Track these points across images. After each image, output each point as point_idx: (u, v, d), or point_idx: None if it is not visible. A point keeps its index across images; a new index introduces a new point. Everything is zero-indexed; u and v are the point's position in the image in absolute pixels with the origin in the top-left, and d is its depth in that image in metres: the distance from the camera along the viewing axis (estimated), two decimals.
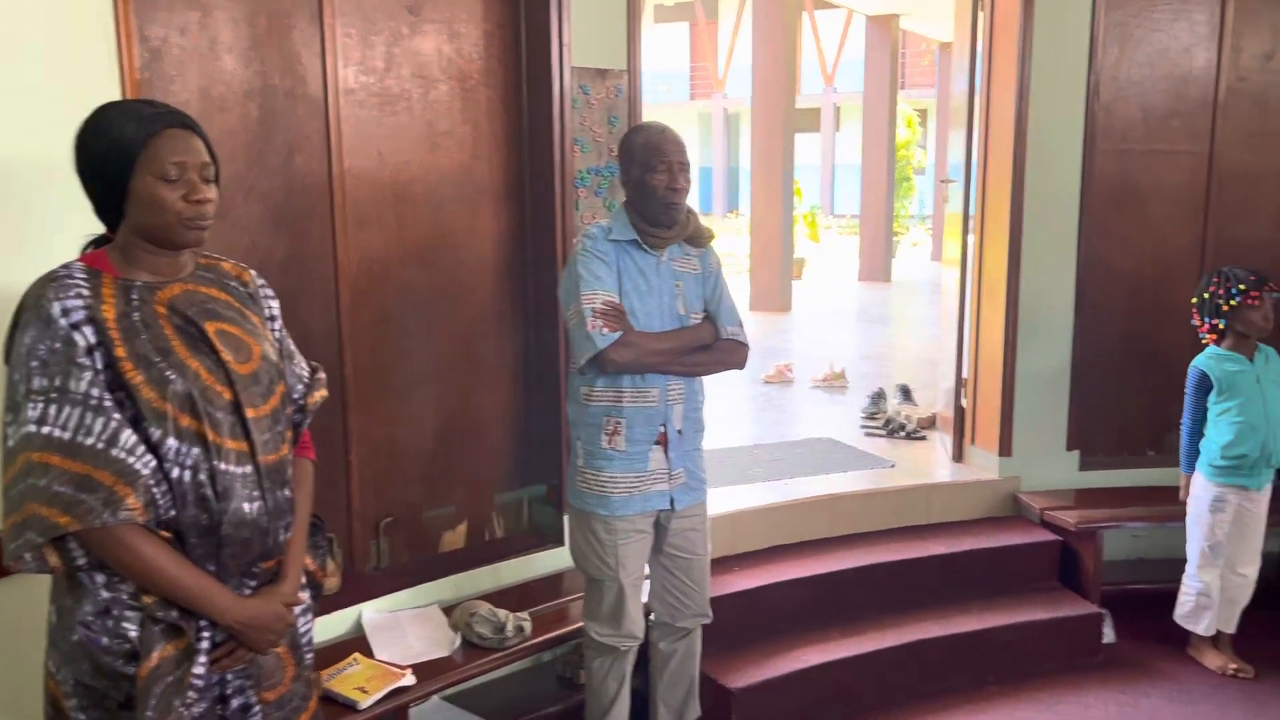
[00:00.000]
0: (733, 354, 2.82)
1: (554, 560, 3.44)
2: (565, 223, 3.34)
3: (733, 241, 16.61)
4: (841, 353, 7.43)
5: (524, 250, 3.44)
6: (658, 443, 2.72)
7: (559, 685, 3.27)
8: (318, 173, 2.97)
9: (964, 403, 4.47)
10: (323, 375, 1.94)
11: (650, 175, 2.66)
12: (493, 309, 3.41)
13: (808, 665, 3.35)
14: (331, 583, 2.97)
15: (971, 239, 4.38)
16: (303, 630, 1.87)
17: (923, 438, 4.94)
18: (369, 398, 3.15)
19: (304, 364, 1.92)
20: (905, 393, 5.60)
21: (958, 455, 4.51)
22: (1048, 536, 4.01)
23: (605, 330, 2.58)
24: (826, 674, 3.36)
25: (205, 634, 1.67)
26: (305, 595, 1.87)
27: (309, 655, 1.89)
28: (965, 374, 4.47)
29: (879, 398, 5.48)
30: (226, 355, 1.68)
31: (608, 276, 2.65)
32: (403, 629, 2.96)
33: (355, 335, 3.09)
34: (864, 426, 5.19)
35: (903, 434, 4.96)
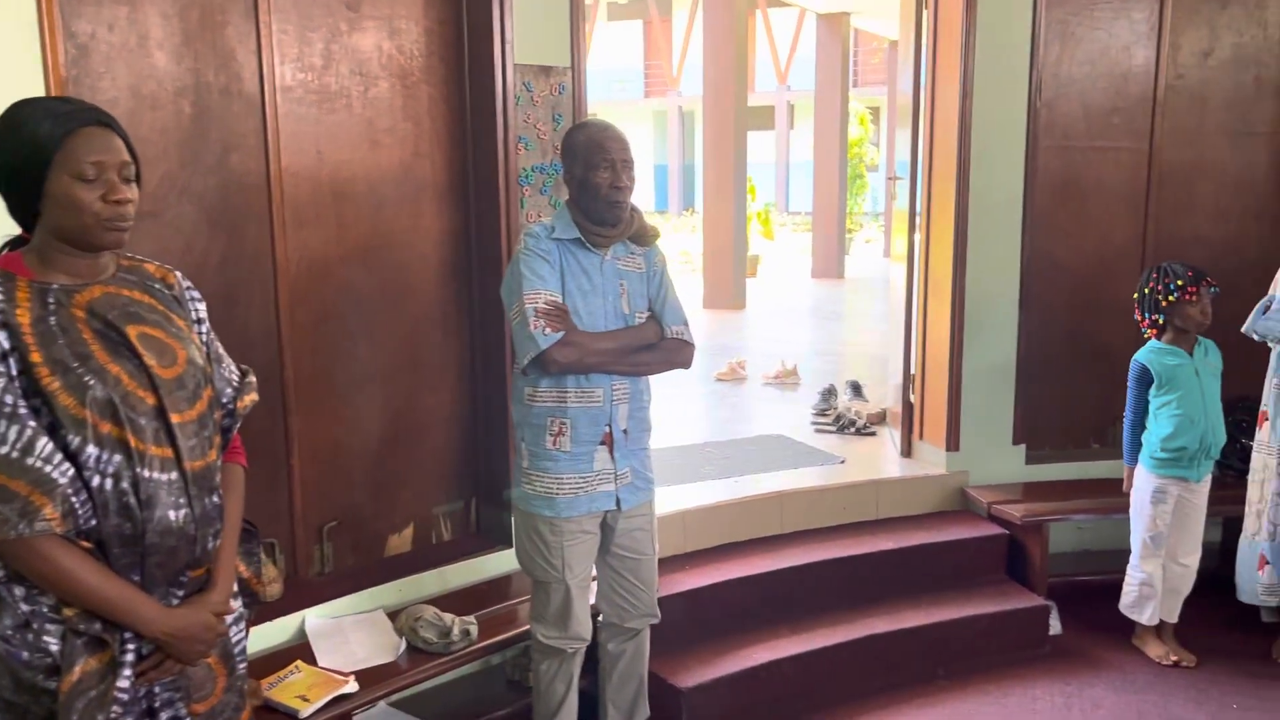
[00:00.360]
0: (678, 353, 2.80)
1: (502, 563, 3.41)
2: (510, 221, 3.31)
3: (689, 239, 16.63)
4: (794, 349, 7.46)
5: (468, 249, 3.40)
6: (603, 443, 2.70)
7: (509, 688, 3.24)
8: (255, 171, 2.91)
9: (912, 398, 4.50)
10: (253, 379, 1.90)
11: (593, 173, 2.64)
12: (437, 309, 3.37)
13: (757, 663, 3.34)
14: (273, 589, 2.92)
15: (918, 236, 4.41)
16: (235, 639, 1.82)
17: (873, 433, 4.97)
18: (311, 400, 3.10)
19: (234, 367, 1.88)
20: (856, 389, 5.63)
21: (906, 451, 4.54)
22: (995, 530, 4.05)
23: (548, 330, 2.56)
24: (776, 671, 3.36)
25: (130, 646, 1.62)
26: (237, 604, 1.83)
27: (242, 665, 1.84)
28: (913, 370, 4.50)
29: (830, 394, 5.50)
30: (149, 359, 1.63)
31: (550, 276, 2.63)
32: (346, 635, 2.91)
33: (296, 337, 3.04)
34: (815, 423, 5.21)
35: (853, 430, 4.99)
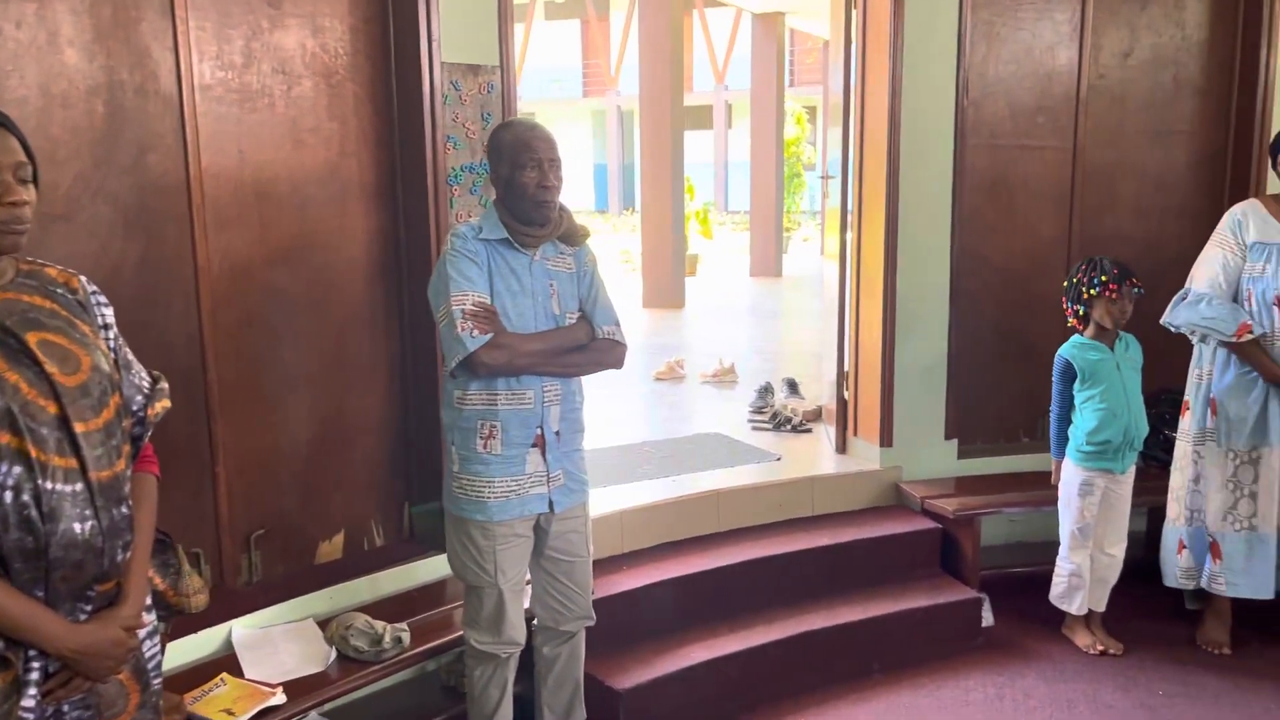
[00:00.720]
0: (609, 353, 2.79)
1: (436, 568, 3.36)
2: (439, 221, 3.26)
3: (629, 239, 16.63)
4: (732, 348, 7.49)
5: (397, 250, 3.35)
6: (535, 445, 2.68)
7: (444, 694, 3.20)
8: (173, 172, 2.84)
9: (846, 396, 4.54)
10: (164, 385, 1.84)
11: (520, 173, 2.61)
12: (366, 310, 3.31)
13: (695, 662, 3.34)
14: (198, 601, 2.80)
15: (850, 234, 4.44)
16: (149, 654, 1.77)
17: (808, 430, 5.00)
18: (236, 405, 3.03)
19: (144, 374, 1.82)
20: (792, 386, 5.67)
21: (841, 447, 4.58)
22: (929, 524, 4.09)
23: (476, 332, 2.53)
24: (714, 670, 3.36)
25: (35, 664, 1.56)
26: (151, 617, 1.78)
27: (156, 680, 1.79)
28: (846, 367, 4.54)
29: (766, 392, 5.53)
30: (50, 367, 1.57)
31: (478, 277, 2.59)
32: (275, 645, 2.85)
33: (219, 340, 2.97)
34: (752, 421, 5.23)
35: (789, 428, 5.02)
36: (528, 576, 2.84)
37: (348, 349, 3.28)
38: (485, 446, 2.64)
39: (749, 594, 3.72)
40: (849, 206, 4.43)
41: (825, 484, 4.26)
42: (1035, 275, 4.42)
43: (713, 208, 26.92)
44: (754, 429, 5.10)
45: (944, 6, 4.10)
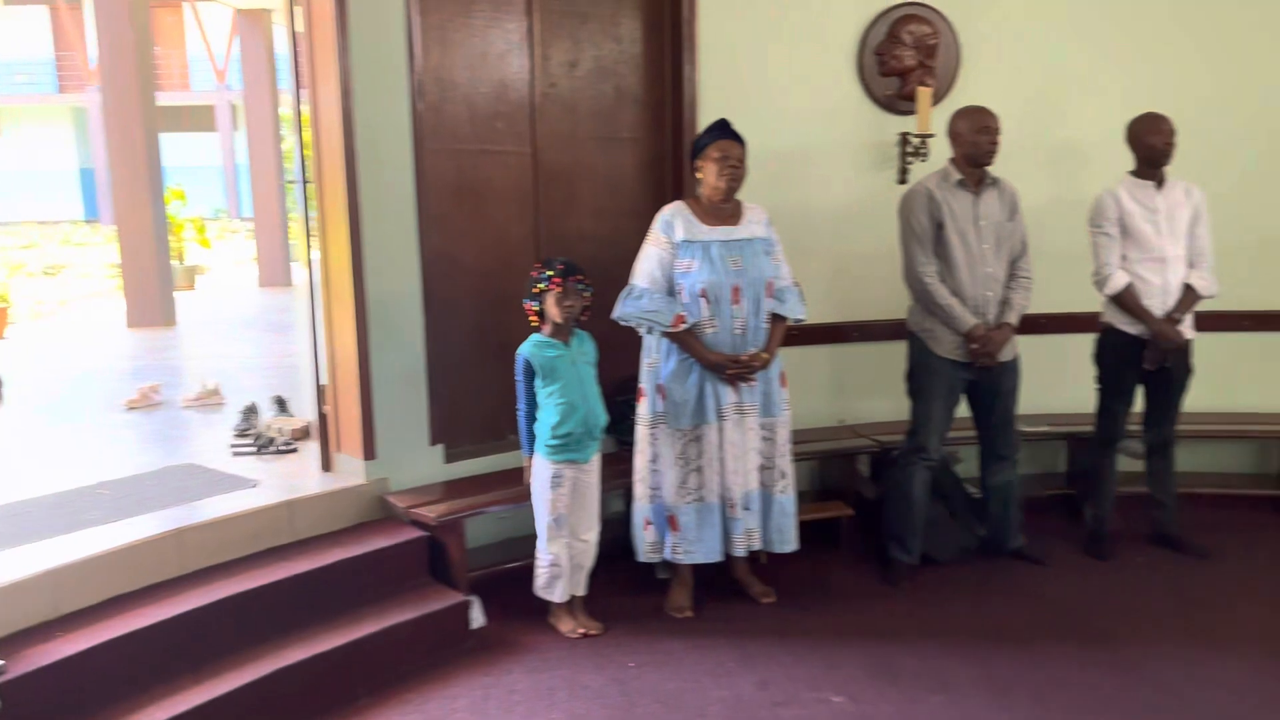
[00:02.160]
0: None
1: None
2: None
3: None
4: (227, 365, 6.95)
5: None
6: None
7: None
8: None
9: (325, 409, 4.34)
10: None
11: None
12: None
13: None
14: None
15: (315, 240, 4.24)
16: None
17: (294, 450, 4.72)
18: None
19: None
20: (280, 404, 5.35)
21: (326, 464, 4.37)
22: (415, 534, 4.02)
23: None
24: None
25: None
26: None
27: None
28: (324, 379, 4.34)
29: (251, 412, 5.16)
30: None
31: None
32: None
33: None
34: (234, 445, 4.84)
35: (273, 449, 4.70)
36: None
37: None
38: None
39: (218, 639, 3.39)
40: (311, 212, 4.22)
41: (306, 506, 4.03)
42: (507, 275, 4.51)
43: (224, 214, 25.21)
44: (235, 454, 4.72)
45: (390, 9, 4.03)
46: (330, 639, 3.52)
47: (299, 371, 6.71)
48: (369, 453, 4.18)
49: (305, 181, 4.31)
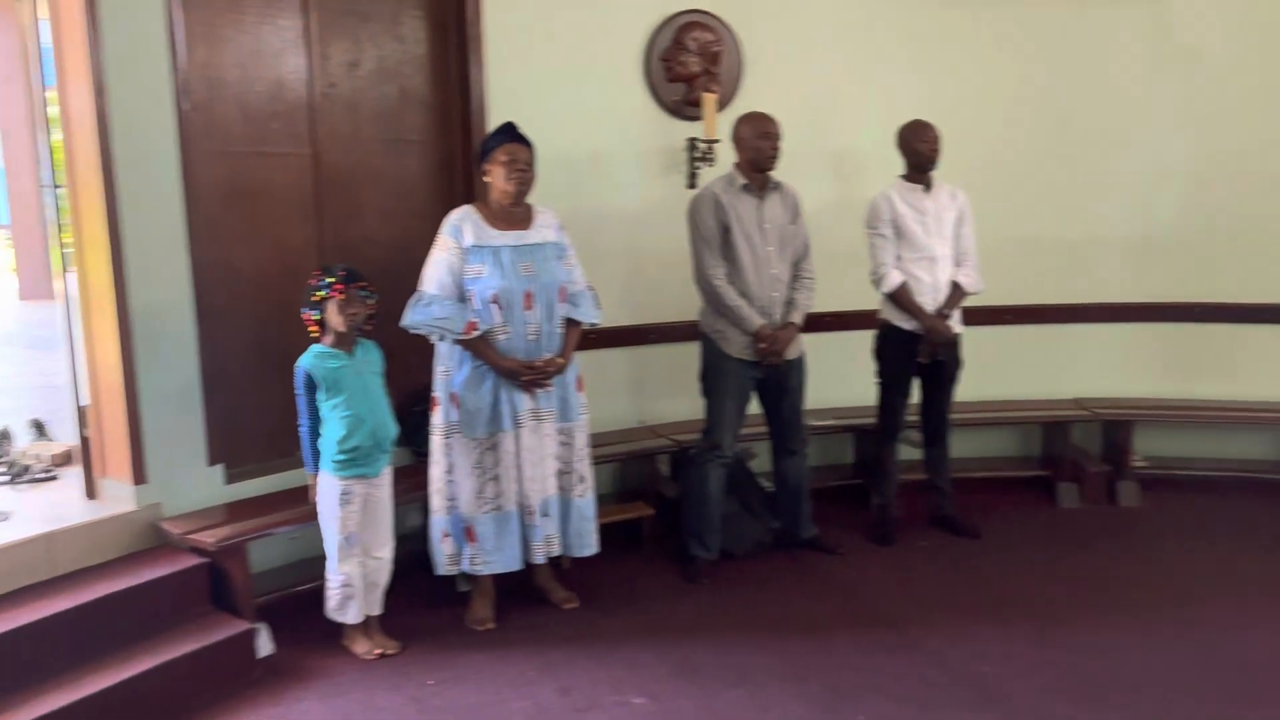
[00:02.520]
0: None
1: None
2: None
3: None
4: None
5: None
6: None
7: None
8: None
9: (88, 432, 4.00)
10: None
11: None
12: None
13: None
14: None
15: (70, 249, 3.91)
16: None
17: (54, 478, 4.34)
18: None
19: None
20: (39, 428, 4.91)
21: (91, 492, 4.03)
22: (195, 561, 3.75)
23: None
24: None
25: None
26: None
27: None
28: (86, 400, 4.00)
29: (4, 438, 4.71)
30: None
31: None
32: None
33: None
34: None
35: (28, 477, 4.31)
36: None
37: None
38: None
39: None
40: (63, 218, 3.89)
41: (67, 538, 3.70)
42: (288, 283, 4.27)
43: None
44: None
45: (145, 6, 3.76)
46: (97, 681, 3.24)
47: (61, 392, 6.19)
48: (139, 477, 3.88)
49: (56, 186, 3.96)
